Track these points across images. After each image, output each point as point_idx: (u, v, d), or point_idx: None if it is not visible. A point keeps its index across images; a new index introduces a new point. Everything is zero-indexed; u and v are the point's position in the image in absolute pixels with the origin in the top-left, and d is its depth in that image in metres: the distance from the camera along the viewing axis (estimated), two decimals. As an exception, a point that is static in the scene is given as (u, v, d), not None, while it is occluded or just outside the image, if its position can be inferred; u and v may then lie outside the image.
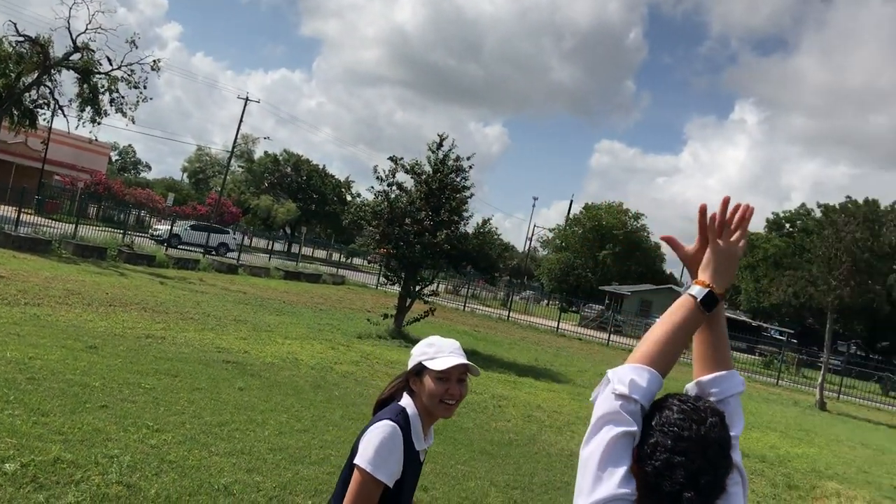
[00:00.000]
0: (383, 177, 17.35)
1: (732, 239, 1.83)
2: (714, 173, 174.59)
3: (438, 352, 2.53)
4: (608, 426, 1.64)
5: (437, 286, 19.82)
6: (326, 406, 8.95)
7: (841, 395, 30.03)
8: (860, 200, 53.50)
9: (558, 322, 35.63)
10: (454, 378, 2.52)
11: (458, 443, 8.42)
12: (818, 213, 59.13)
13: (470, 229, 18.08)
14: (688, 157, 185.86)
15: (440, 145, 17.52)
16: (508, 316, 35.51)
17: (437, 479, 6.83)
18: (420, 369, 2.54)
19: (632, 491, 1.59)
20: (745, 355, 41.12)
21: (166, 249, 28.89)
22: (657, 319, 1.83)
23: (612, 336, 35.13)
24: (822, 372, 25.11)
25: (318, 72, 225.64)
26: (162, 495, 5.04)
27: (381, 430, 2.40)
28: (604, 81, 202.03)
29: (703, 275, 1.81)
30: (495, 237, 18.32)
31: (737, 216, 1.83)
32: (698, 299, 1.75)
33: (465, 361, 2.52)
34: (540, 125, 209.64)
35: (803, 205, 62.13)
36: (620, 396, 1.65)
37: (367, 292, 31.85)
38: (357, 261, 60.49)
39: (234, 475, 5.72)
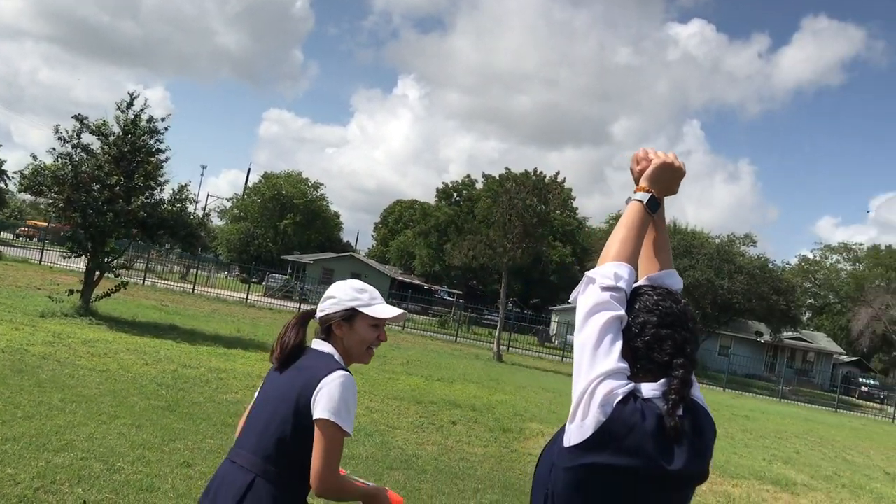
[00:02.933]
0: (66, 137, 15.56)
1: (660, 155, 2.12)
2: (380, 145, 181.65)
3: (373, 299, 2.52)
4: (600, 313, 1.85)
5: (130, 259, 18.34)
6: (40, 390, 7.95)
7: (509, 348, 33.16)
8: (504, 171, 58.92)
9: (247, 293, 34.97)
10: (383, 324, 2.54)
11: (196, 417, 7.99)
12: (481, 184, 64.46)
13: (166, 196, 16.92)
14: (355, 128, 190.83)
15: (130, 104, 16.15)
16: (193, 289, 34.03)
17: (195, 456, 6.43)
18: (352, 315, 2.47)
19: (627, 366, 1.81)
20: (421, 316, 43.71)
21: None
22: (615, 229, 2.08)
23: (301, 306, 35.20)
24: (498, 327, 27.53)
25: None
26: None
27: (343, 382, 2.32)
28: (271, 49, 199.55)
29: (644, 182, 2.10)
30: (193, 202, 17.29)
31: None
32: (644, 202, 2.05)
33: (403, 311, 2.58)
34: (206, 91, 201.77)
35: (468, 176, 67.02)
36: (608, 288, 1.88)
37: (29, 268, 28.55)
38: (5, 234, 53.94)
39: (-32, 475, 4.89)
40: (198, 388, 9.89)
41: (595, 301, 1.88)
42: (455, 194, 66.79)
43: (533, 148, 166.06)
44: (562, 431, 1.87)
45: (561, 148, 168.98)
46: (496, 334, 27.32)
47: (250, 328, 21.44)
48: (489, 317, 50.49)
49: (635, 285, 2.00)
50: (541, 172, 26.46)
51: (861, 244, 68.43)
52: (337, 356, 2.46)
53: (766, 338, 51.62)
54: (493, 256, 26.55)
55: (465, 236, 30.80)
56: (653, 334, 1.87)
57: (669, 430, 1.74)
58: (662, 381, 1.83)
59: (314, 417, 2.28)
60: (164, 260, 48.14)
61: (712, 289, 41.77)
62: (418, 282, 61.88)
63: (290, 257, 58.61)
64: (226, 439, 7.23)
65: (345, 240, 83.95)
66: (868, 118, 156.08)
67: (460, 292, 61.58)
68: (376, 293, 2.56)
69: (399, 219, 74.32)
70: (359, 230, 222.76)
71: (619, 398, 1.75)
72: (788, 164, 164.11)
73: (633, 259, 1.98)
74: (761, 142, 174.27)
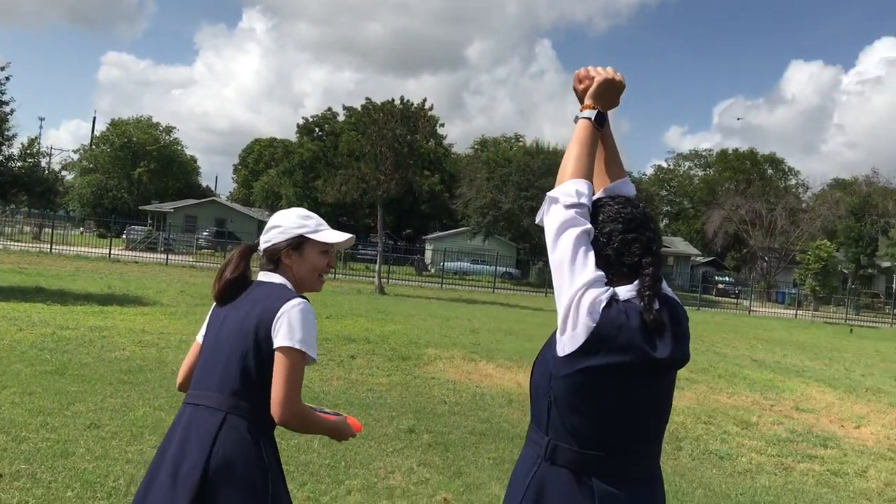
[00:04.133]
0: None
1: (600, 71, 2.21)
2: (230, 83, 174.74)
3: (319, 225, 2.48)
4: (569, 230, 1.97)
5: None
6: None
7: (389, 280, 33.30)
8: (365, 101, 58.18)
9: (109, 248, 33.40)
10: (331, 250, 2.51)
11: (89, 379, 7.63)
12: (343, 117, 63.34)
13: (15, 151, 15.75)
14: (202, 67, 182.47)
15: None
16: (51, 248, 32.15)
17: (101, 417, 6.17)
18: (300, 242, 2.42)
19: (603, 274, 1.94)
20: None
21: None
22: (567, 148, 2.17)
23: (168, 257, 33.97)
24: (378, 260, 27.52)
25: None
26: None
27: (303, 309, 2.26)
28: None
29: (589, 100, 2.19)
30: (46, 156, 16.18)
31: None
32: (592, 119, 2.15)
33: (351, 236, 2.51)
34: (34, 38, 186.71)
35: (329, 109, 65.60)
36: (571, 206, 1.99)
37: None
38: None
39: None
40: (82, 348, 9.44)
41: (561, 219, 1.98)
42: (317, 129, 65.37)
43: (390, 76, 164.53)
44: (550, 343, 1.99)
45: (418, 75, 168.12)
46: (376, 268, 27.31)
47: (120, 283, 20.51)
48: (364, 251, 50.45)
49: (594, 198, 2.11)
50: (407, 101, 26.23)
51: (710, 150, 72.28)
52: (289, 286, 2.41)
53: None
54: (367, 190, 26.33)
55: (335, 172, 30.32)
56: (620, 240, 2.00)
57: (651, 324, 1.89)
58: (636, 282, 1.97)
59: (275, 346, 2.22)
60: (10, 221, 45.13)
61: (578, 205, 42.93)
62: (288, 222, 60.63)
63: (148, 207, 56.08)
64: (127, 397, 6.99)
65: (204, 185, 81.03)
66: (709, 29, 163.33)
67: (332, 229, 60.93)
68: (321, 220, 2.52)
69: (259, 159, 72.21)
70: (217, 174, 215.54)
71: (604, 304, 1.88)
72: (636, 78, 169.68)
73: (588, 174, 2.08)
74: (610, 57, 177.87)
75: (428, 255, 53.28)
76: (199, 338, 2.52)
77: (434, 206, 62.68)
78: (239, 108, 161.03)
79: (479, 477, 5.57)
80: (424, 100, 26.50)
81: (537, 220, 2.11)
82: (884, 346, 23.72)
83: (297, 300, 2.29)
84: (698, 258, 62.76)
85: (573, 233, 1.96)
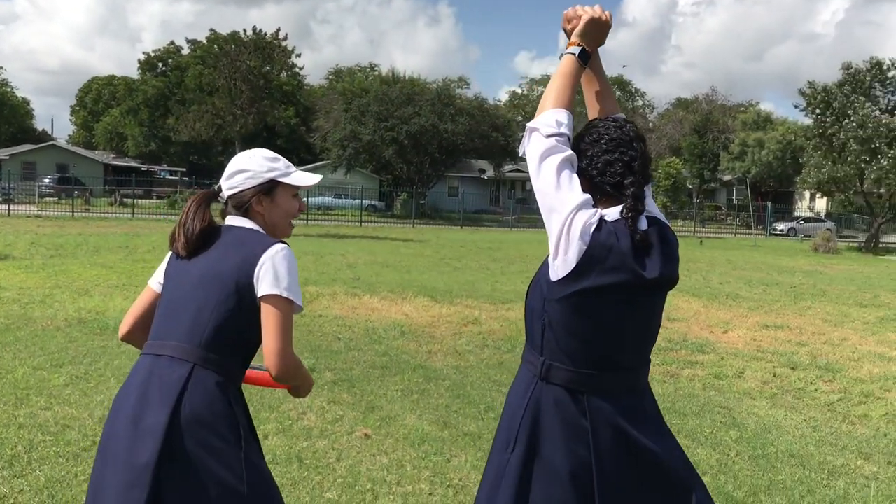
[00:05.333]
0: None
1: (587, 10, 2.22)
2: (56, 18, 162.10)
3: (288, 167, 2.33)
4: (549, 157, 2.00)
5: None
6: None
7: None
8: (210, 33, 55.67)
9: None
10: (299, 194, 2.38)
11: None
12: (187, 51, 60.26)
13: None
14: (24, 2, 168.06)
15: None
16: None
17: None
18: (272, 187, 2.26)
19: (590, 197, 1.99)
20: (145, 200, 41.08)
21: None
22: (550, 81, 2.21)
23: (10, 207, 31.60)
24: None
25: None
26: None
27: (287, 255, 2.14)
28: None
29: (575, 38, 2.21)
30: None
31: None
32: (576, 55, 2.18)
33: (320, 176, 2.41)
34: None
35: (172, 43, 62.22)
36: (552, 135, 2.03)
37: None
38: None
39: None
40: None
41: (543, 148, 2.02)
42: (160, 64, 61.95)
43: (231, 7, 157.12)
44: (543, 268, 2.05)
45: (261, 4, 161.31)
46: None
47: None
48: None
49: (586, 123, 2.19)
50: (260, 31, 25.13)
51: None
52: (259, 229, 2.25)
53: (490, 174, 54.90)
54: (223, 126, 25.26)
55: (188, 109, 28.86)
56: (603, 160, 2.05)
57: (638, 243, 1.93)
58: (621, 204, 2.01)
59: (261, 294, 2.08)
60: None
61: (437, 133, 43.22)
62: (135, 164, 57.71)
63: (-21, 155, 51.76)
64: (17, 349, 6.47)
65: (39, 129, 75.38)
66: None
67: (183, 169, 58.52)
68: (287, 161, 2.36)
69: (98, 98, 67.74)
70: (52, 116, 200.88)
71: (594, 226, 1.93)
72: (483, 3, 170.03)
73: (569, 105, 2.11)
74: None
75: (288, 191, 52.02)
76: (155, 285, 2.31)
77: (291, 140, 61.06)
78: (70, 45, 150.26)
79: (392, 409, 5.55)
80: (278, 30, 25.56)
81: (520, 153, 2.15)
82: (733, 255, 25.40)
83: (280, 245, 2.15)
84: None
85: (556, 159, 2.00)
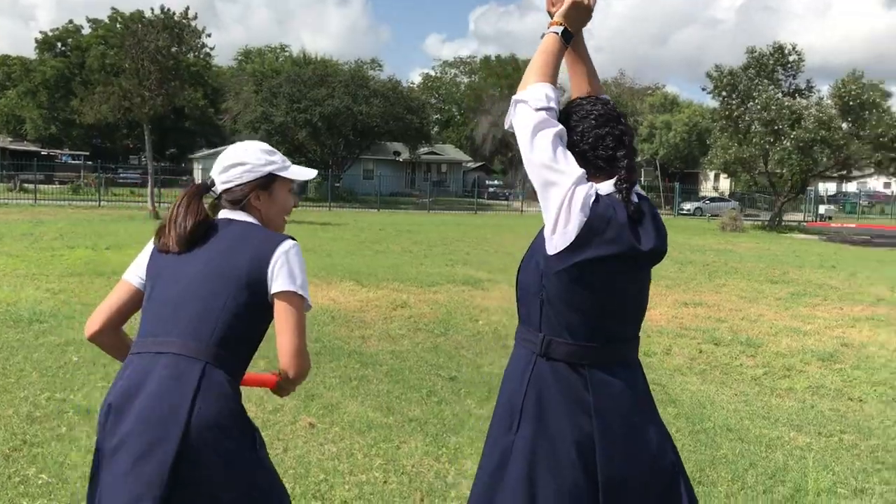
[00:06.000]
0: None
1: None
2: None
3: (284, 160, 2.24)
4: (542, 131, 2.00)
5: None
6: None
7: (161, 203, 31.46)
8: (112, 12, 53.55)
9: None
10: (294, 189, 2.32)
11: None
12: (88, 30, 57.79)
13: None
14: None
15: None
16: None
17: None
18: (270, 181, 2.18)
19: (584, 171, 2.00)
20: (47, 186, 39.28)
21: None
22: (532, 59, 2.21)
23: None
24: (150, 183, 25.83)
25: None
26: None
27: (297, 251, 2.07)
28: None
29: (558, 18, 2.20)
30: None
31: None
32: (559, 34, 2.16)
33: (315, 172, 2.33)
34: None
35: (71, 21, 59.42)
36: (541, 108, 2.03)
37: None
38: None
39: None
40: None
41: (535, 121, 2.01)
42: (59, 44, 59.18)
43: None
44: (537, 245, 2.07)
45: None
46: (148, 191, 25.62)
47: None
48: (125, 175, 47.13)
49: (567, 102, 2.19)
50: (168, 9, 24.26)
51: (474, 57, 74.05)
52: (257, 223, 2.17)
53: (405, 156, 54.75)
54: (131, 108, 24.30)
55: (93, 90, 27.67)
56: (594, 135, 2.07)
57: (633, 215, 1.98)
58: (615, 178, 2.06)
59: (276, 291, 2.00)
60: None
61: (352, 115, 42.84)
62: (34, 148, 55.08)
63: None
64: None
65: None
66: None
67: (86, 153, 56.21)
68: (282, 155, 2.27)
69: (-9, 79, 64.30)
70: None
71: (593, 198, 1.96)
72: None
73: (553, 81, 2.12)
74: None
75: (197, 174, 50.75)
76: (135, 280, 2.14)
77: (200, 122, 59.40)
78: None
79: (333, 397, 5.46)
80: (187, 9, 24.65)
81: (507, 126, 2.14)
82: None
83: (291, 241, 2.08)
84: (468, 164, 64.86)
85: (549, 133, 2.00)
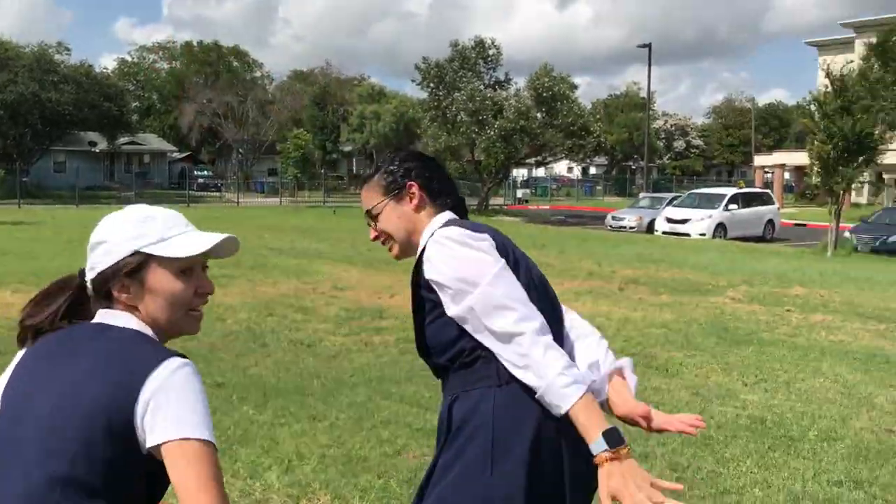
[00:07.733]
0: None
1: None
2: None
3: (170, 227, 1.51)
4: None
5: None
6: None
7: None
8: None
9: None
10: (199, 268, 1.54)
11: None
12: None
13: None
14: None
15: None
16: None
17: None
18: (140, 264, 1.47)
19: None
20: None
21: None
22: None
23: None
24: None
25: None
26: None
27: (185, 375, 1.37)
28: None
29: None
30: None
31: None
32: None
33: (229, 235, 1.54)
34: None
35: None
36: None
37: None
38: None
39: None
40: None
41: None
42: None
43: None
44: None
45: None
46: None
47: None
48: None
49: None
50: None
51: (173, 42, 70.16)
52: (147, 331, 1.49)
53: (102, 146, 50.72)
54: None
55: None
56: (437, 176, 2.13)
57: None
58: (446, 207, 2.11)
59: (160, 442, 1.32)
60: None
61: (39, 103, 39.03)
62: None
63: None
64: None
65: None
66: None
67: None
68: (176, 216, 1.56)
69: None
70: None
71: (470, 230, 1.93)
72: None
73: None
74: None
75: None
76: None
77: None
78: None
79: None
80: None
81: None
82: (360, 224, 26.32)
83: (173, 361, 1.38)
84: (174, 154, 61.55)
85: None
